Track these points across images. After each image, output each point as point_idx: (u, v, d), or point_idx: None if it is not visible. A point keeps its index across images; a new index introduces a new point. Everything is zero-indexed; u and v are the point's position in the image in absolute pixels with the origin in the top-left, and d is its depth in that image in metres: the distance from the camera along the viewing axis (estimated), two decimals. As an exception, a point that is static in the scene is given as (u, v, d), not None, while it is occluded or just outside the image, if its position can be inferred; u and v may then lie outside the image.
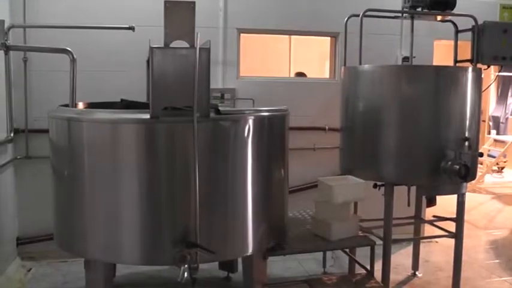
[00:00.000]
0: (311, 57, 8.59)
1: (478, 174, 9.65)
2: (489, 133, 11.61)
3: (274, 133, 3.78)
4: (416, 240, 5.22)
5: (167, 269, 4.67)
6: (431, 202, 5.60)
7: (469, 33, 4.67)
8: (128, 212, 3.27)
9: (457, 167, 3.95)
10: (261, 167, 3.60)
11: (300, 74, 8.00)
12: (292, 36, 8.12)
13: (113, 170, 3.27)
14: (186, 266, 3.12)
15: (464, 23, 4.64)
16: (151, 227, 3.26)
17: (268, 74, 6.90)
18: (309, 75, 7.67)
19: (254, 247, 3.60)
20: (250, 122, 3.46)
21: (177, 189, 3.26)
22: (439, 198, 4.60)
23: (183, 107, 3.20)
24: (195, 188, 3.12)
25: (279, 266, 5.07)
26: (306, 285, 4.07)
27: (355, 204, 4.61)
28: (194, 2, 3.25)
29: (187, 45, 3.26)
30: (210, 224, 3.31)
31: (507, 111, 11.98)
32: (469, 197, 8.72)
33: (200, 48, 3.11)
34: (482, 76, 4.43)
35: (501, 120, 12.13)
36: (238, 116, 3.48)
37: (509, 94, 12.00)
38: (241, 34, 5.78)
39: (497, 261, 5.95)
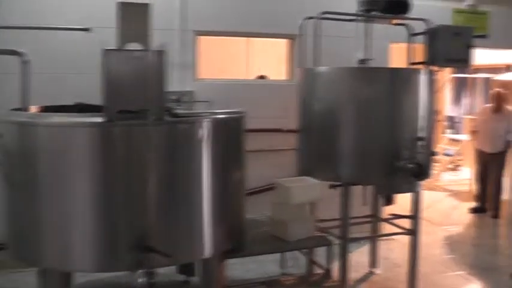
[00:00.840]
0: (270, 59, 8.62)
1: (435, 172, 9.93)
2: (445, 133, 11.88)
3: (231, 135, 3.78)
4: (374, 238, 5.30)
5: (125, 275, 4.60)
6: (389, 201, 5.69)
7: (423, 36, 4.77)
8: (82, 218, 3.20)
9: (411, 166, 4.04)
10: (217, 169, 3.59)
11: (262, 78, 8.02)
12: (251, 38, 8.14)
13: (66, 175, 3.19)
14: (143, 271, 3.08)
15: (419, 27, 4.73)
16: (106, 233, 3.20)
17: (227, 76, 6.90)
18: (268, 77, 7.70)
19: (212, 250, 3.58)
20: (206, 124, 3.45)
21: (132, 194, 3.21)
22: (398, 196, 4.67)
23: (138, 110, 3.17)
24: (151, 191, 3.10)
25: (238, 268, 5.07)
26: (264, 286, 4.10)
27: (313, 204, 4.66)
28: (149, 4, 3.22)
29: (142, 48, 3.22)
30: (167, 228, 3.28)
31: (462, 112, 12.28)
32: (426, 195, 8.93)
33: (155, 51, 3.09)
34: (436, 78, 4.53)
35: (456, 120, 12.43)
36: (194, 118, 3.46)
37: (464, 95, 12.30)
38: (199, 36, 5.76)
39: (453, 256, 6.12)
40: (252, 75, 8.38)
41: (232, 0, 5.77)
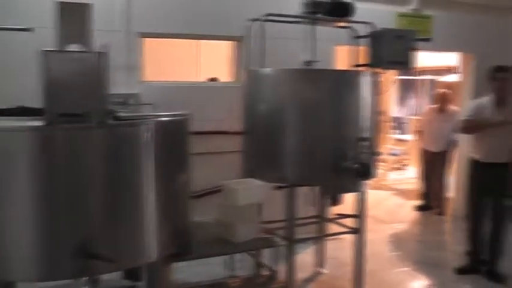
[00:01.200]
0: (221, 61, 8.58)
1: (381, 172, 10.13)
2: (391, 133, 12.13)
3: (175, 138, 3.75)
4: (320, 238, 5.36)
5: (69, 283, 4.50)
6: (337, 201, 5.75)
7: (367, 39, 4.86)
8: (22, 224, 3.10)
9: (356, 166, 4.10)
10: (162, 172, 3.54)
11: (213, 80, 7.98)
12: (201, 40, 8.10)
13: (5, 180, 3.08)
14: (87, 278, 3.02)
15: (364, 29, 4.81)
16: (47, 239, 3.09)
17: (177, 78, 6.84)
18: (219, 79, 7.67)
19: (157, 254, 3.53)
20: (150, 127, 3.40)
21: (74, 199, 3.11)
22: (345, 196, 4.73)
23: (80, 113, 3.10)
24: (94, 196, 3.04)
25: (186, 272, 5.01)
26: (211, 289, 4.08)
27: (259, 206, 4.67)
28: (89, 4, 3.15)
29: (83, 49, 3.15)
30: (110, 233, 3.21)
31: (408, 112, 12.58)
32: (373, 194, 9.13)
33: (96, 52, 3.03)
34: (379, 80, 4.62)
35: (403, 121, 12.73)
36: (138, 121, 3.41)
37: (410, 96, 12.61)
38: (144, 38, 5.69)
39: (399, 253, 6.29)
40: (202, 78, 8.33)
41: (178, 2, 5.72)
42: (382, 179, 10.16)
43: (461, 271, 5.54)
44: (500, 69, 5.30)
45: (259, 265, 4.63)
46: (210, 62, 8.77)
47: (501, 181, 4.84)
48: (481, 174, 5.35)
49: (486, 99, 5.33)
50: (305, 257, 5.67)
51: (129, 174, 3.32)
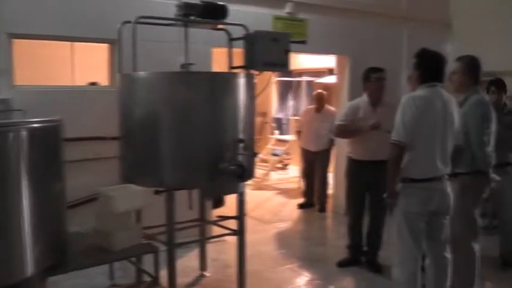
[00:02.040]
0: (97, 65, 8.30)
1: (263, 172, 10.35)
2: (273, 134, 12.43)
3: (47, 145, 3.60)
4: (202, 241, 5.36)
5: None
6: (219, 203, 5.73)
7: (243, 41, 4.91)
8: None
9: (234, 167, 4.11)
10: (34, 182, 3.38)
11: (93, 84, 7.69)
12: (76, 43, 7.79)
13: None
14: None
15: (240, 32, 4.86)
16: None
17: (51, 82, 6.52)
18: (100, 83, 7.42)
19: (33, 268, 3.38)
20: (20, 134, 3.25)
21: None
22: (228, 198, 4.73)
23: None
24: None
25: (65, 285, 4.81)
26: (90, 300, 3.94)
27: (139, 212, 4.58)
28: None
29: None
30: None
31: (288, 113, 12.96)
32: (256, 194, 9.35)
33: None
34: (255, 81, 4.69)
35: (283, 122, 13.09)
36: (5, 128, 3.23)
37: (290, 97, 12.99)
38: (14, 39, 5.37)
39: (283, 251, 6.42)
40: (79, 82, 8.02)
41: (51, 3, 5.44)
42: (264, 180, 10.38)
43: (343, 264, 5.79)
44: (374, 70, 5.56)
45: (140, 272, 4.54)
46: (87, 65, 8.46)
47: (378, 178, 4.87)
48: (358, 172, 5.61)
49: (362, 100, 5.60)
50: (188, 261, 5.64)
51: (-3, 184, 3.13)
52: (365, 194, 5.66)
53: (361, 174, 5.57)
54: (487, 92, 5.74)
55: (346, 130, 5.57)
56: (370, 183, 5.44)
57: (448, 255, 4.13)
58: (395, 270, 4.09)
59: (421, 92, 3.92)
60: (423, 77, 3.93)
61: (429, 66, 3.95)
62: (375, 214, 5.66)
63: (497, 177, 4.58)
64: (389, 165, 3.91)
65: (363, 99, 5.57)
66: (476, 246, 4.56)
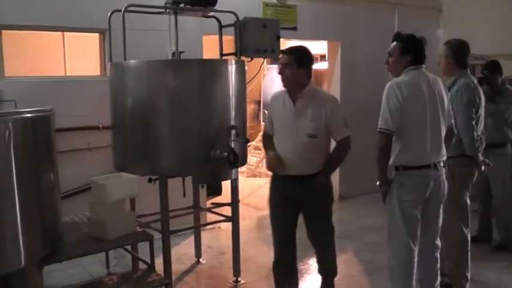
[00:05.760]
0: (88, 55, 8.26)
1: (257, 159, 10.36)
2: (267, 120, 12.39)
3: (39, 135, 3.59)
4: (196, 228, 5.38)
5: None
6: (216, 192, 5.77)
7: (233, 28, 4.92)
8: None
9: (226, 154, 4.13)
10: (26, 172, 3.39)
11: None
12: (67, 33, 7.75)
13: None
14: None
15: (230, 19, 4.86)
16: None
17: (42, 73, 6.49)
18: (88, 73, 7.39)
19: (27, 258, 3.39)
20: (11, 125, 3.24)
21: None
22: (225, 185, 4.71)
23: None
24: None
25: (61, 275, 4.83)
26: (87, 288, 3.96)
27: (133, 200, 4.60)
28: None
29: None
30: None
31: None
32: (250, 181, 9.35)
33: None
34: (245, 68, 4.70)
35: (277, 108, 13.04)
36: (-3, 119, 3.22)
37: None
38: (3, 30, 5.34)
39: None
40: (71, 72, 7.98)
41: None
42: (258, 167, 10.38)
43: None
44: (282, 51, 4.34)
45: (136, 260, 4.56)
46: (78, 55, 8.42)
47: (306, 194, 3.97)
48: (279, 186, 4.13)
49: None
50: (183, 248, 5.67)
51: (-14, 176, 3.14)
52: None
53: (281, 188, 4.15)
54: (482, 74, 5.74)
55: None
56: (296, 199, 4.08)
57: (439, 242, 4.02)
58: (390, 260, 3.90)
59: (405, 76, 3.81)
60: (413, 61, 3.89)
61: (419, 49, 3.91)
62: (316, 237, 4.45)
63: (487, 160, 4.60)
64: (378, 154, 3.81)
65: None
66: (467, 231, 4.55)
